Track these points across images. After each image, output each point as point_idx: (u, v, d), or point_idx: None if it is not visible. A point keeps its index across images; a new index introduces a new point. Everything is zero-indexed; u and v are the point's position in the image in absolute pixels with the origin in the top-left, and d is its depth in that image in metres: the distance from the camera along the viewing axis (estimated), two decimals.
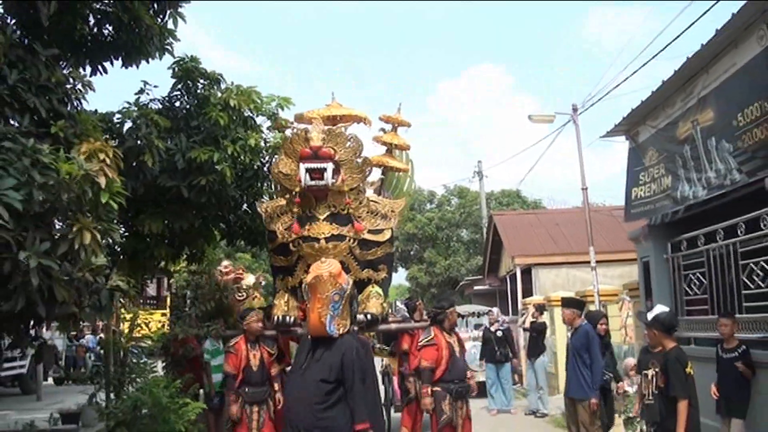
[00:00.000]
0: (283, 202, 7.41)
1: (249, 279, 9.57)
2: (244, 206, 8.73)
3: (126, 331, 6.80)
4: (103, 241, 4.62)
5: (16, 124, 5.02)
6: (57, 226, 4.66)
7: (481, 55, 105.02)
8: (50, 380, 16.25)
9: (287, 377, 4.41)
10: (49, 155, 4.18)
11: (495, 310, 13.85)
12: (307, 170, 6.68)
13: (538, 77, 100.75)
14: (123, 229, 7.39)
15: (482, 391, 14.00)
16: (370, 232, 7.25)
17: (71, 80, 5.71)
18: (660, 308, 5.90)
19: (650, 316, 5.77)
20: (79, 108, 5.77)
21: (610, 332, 8.78)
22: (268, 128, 8.36)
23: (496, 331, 12.56)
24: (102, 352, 17.40)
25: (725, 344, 6.79)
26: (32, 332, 5.86)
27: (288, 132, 7.53)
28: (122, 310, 6.63)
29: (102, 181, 4.44)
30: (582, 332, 7.59)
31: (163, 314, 17.81)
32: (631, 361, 7.02)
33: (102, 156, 4.61)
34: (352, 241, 7.06)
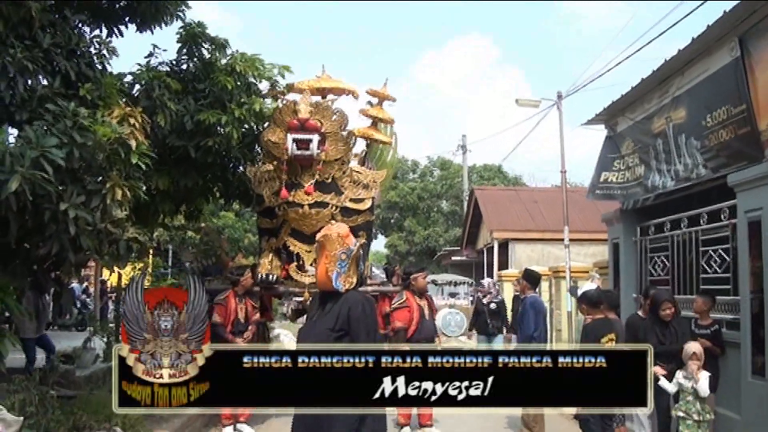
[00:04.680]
0: (270, 167, 7.72)
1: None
2: (240, 168, 9.04)
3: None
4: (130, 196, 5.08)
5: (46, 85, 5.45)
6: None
7: (468, 25, 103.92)
8: None
9: (300, 330, 4.91)
10: (87, 118, 4.63)
11: (487, 281, 12.29)
12: (294, 140, 7.08)
13: (525, 49, 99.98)
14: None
15: None
16: (351, 200, 7.61)
17: (97, 45, 6.10)
18: (588, 286, 6.53)
19: (579, 292, 6.40)
20: (103, 72, 6.17)
21: (677, 317, 6.81)
22: (263, 96, 8.55)
23: (489, 303, 11.15)
24: (88, 300, 17.82)
25: (700, 321, 7.08)
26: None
27: (279, 102, 7.84)
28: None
29: (132, 143, 4.93)
30: (525, 301, 7.91)
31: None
32: (694, 346, 5.82)
33: (132, 121, 5.07)
34: (334, 208, 7.46)
